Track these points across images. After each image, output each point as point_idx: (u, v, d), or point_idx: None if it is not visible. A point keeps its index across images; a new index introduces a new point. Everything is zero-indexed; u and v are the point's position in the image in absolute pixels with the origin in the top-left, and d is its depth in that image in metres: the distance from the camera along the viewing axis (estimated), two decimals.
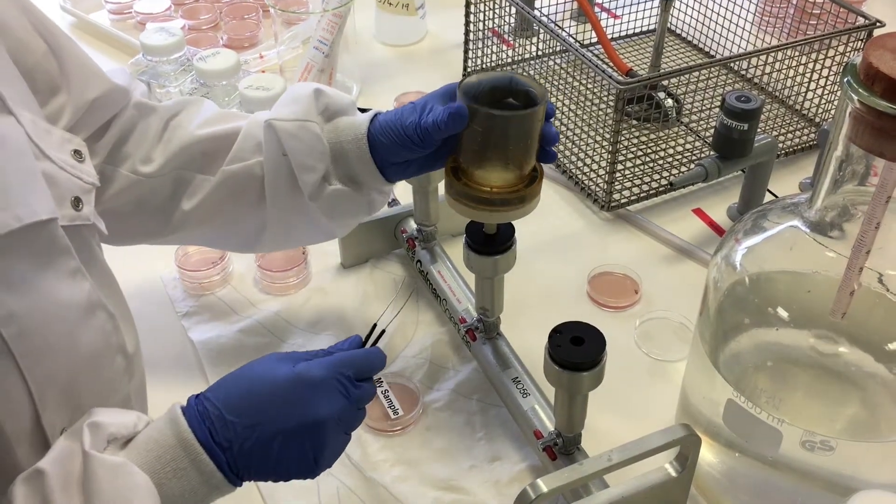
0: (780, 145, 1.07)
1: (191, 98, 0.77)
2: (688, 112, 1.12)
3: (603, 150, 1.01)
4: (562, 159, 1.06)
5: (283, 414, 0.57)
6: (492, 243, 0.73)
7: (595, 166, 1.03)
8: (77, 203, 0.58)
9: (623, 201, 1.00)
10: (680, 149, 1.07)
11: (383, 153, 0.70)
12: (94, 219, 0.60)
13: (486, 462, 0.75)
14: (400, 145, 0.69)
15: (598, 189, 1.01)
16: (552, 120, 0.71)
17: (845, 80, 0.52)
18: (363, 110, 0.96)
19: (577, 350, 0.64)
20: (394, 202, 0.97)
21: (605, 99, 1.06)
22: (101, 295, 0.59)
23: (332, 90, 0.73)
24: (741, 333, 0.64)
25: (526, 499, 0.62)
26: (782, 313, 0.61)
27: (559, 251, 0.96)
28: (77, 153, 0.60)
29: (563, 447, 0.70)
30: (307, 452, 0.57)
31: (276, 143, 0.70)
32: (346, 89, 1.20)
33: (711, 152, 0.93)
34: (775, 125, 1.08)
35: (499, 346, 0.79)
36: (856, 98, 0.52)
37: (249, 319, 0.87)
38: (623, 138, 1.06)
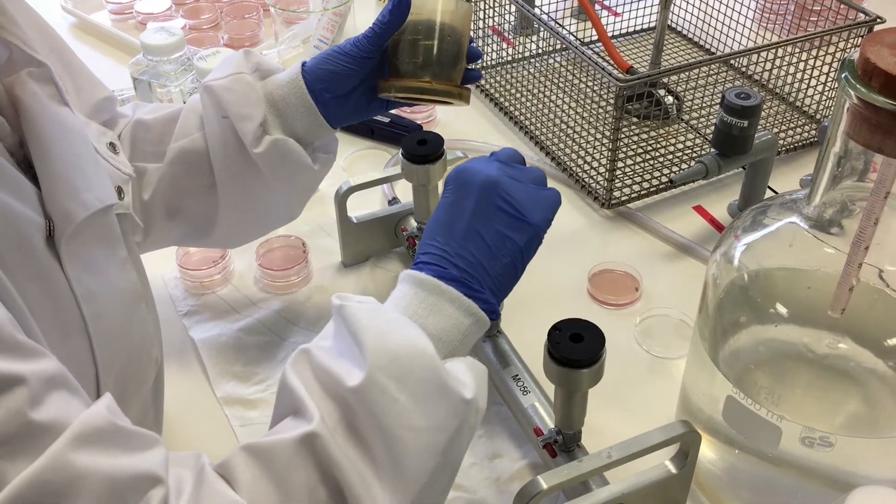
0: (781, 142, 1.07)
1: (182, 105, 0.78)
2: (688, 109, 1.12)
3: (603, 148, 1.01)
4: (562, 157, 1.06)
5: (461, 202, 0.58)
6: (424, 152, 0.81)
7: (595, 164, 1.03)
8: (120, 192, 0.59)
9: (623, 199, 1.00)
10: (680, 146, 1.07)
11: (319, 90, 0.71)
12: (133, 209, 0.62)
13: (486, 459, 0.75)
14: (335, 71, 0.70)
15: (598, 187, 1.01)
16: (474, 43, 0.75)
17: (843, 75, 0.52)
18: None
19: (576, 347, 0.64)
20: (394, 200, 0.97)
21: (605, 97, 1.06)
22: (142, 286, 0.60)
23: (260, 55, 0.74)
24: (740, 330, 0.64)
25: (526, 496, 0.62)
26: (781, 310, 0.61)
27: (559, 249, 0.96)
28: (112, 146, 0.61)
29: (563, 444, 0.70)
30: (504, 210, 0.58)
31: (214, 106, 0.71)
32: None
33: (712, 149, 0.93)
34: (776, 122, 1.08)
35: (499, 343, 0.80)
36: (853, 94, 0.51)
37: (250, 318, 0.87)
38: (623, 136, 1.06)
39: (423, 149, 0.83)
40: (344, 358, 0.51)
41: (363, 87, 0.73)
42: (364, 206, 0.96)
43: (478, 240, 0.58)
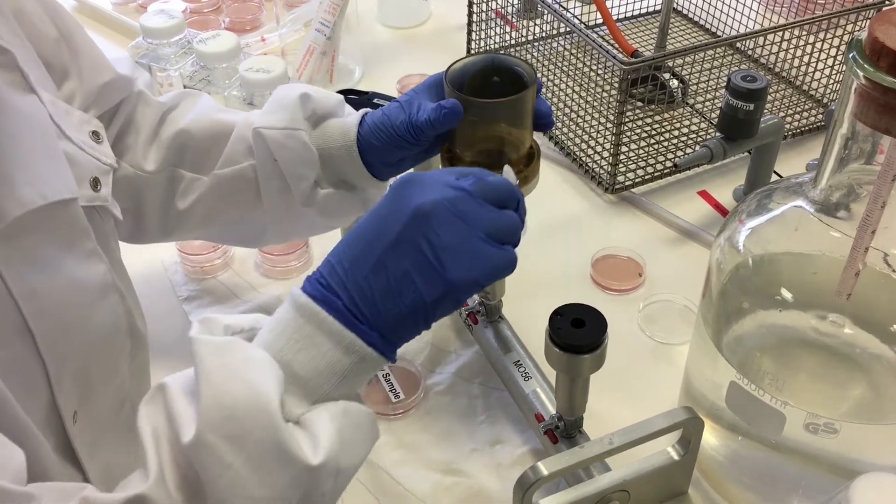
0: (787, 127, 1.06)
1: (188, 91, 0.77)
2: (693, 93, 1.11)
3: (607, 132, 1.00)
4: (565, 142, 1.05)
5: (383, 229, 0.49)
6: None
7: (599, 148, 1.02)
8: (95, 184, 0.58)
9: (627, 183, 0.99)
10: (685, 130, 1.06)
11: (374, 155, 0.67)
12: (111, 201, 0.61)
13: (487, 445, 0.74)
14: (392, 146, 0.66)
15: (602, 171, 1.00)
16: (542, 92, 0.68)
17: (850, 55, 0.51)
18: (362, 93, 0.96)
19: (577, 332, 0.63)
20: None
21: (609, 80, 1.05)
22: (114, 277, 0.59)
23: (318, 91, 0.70)
24: (744, 316, 0.64)
25: (526, 482, 0.61)
26: (786, 295, 0.61)
27: (562, 234, 0.95)
28: (95, 134, 0.60)
29: (565, 430, 0.69)
30: (424, 258, 0.48)
31: (265, 150, 0.68)
32: (348, 72, 1.19)
33: (717, 133, 0.92)
34: (782, 106, 1.07)
35: (500, 329, 0.79)
36: (861, 74, 0.50)
37: (250, 304, 0.87)
38: (628, 120, 1.05)
39: None
40: (193, 399, 0.45)
41: (421, 151, 0.69)
42: None
43: (381, 275, 0.48)
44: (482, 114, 0.64)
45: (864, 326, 0.60)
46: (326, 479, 0.46)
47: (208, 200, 0.72)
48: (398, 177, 0.55)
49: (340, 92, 1.12)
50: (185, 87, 1.00)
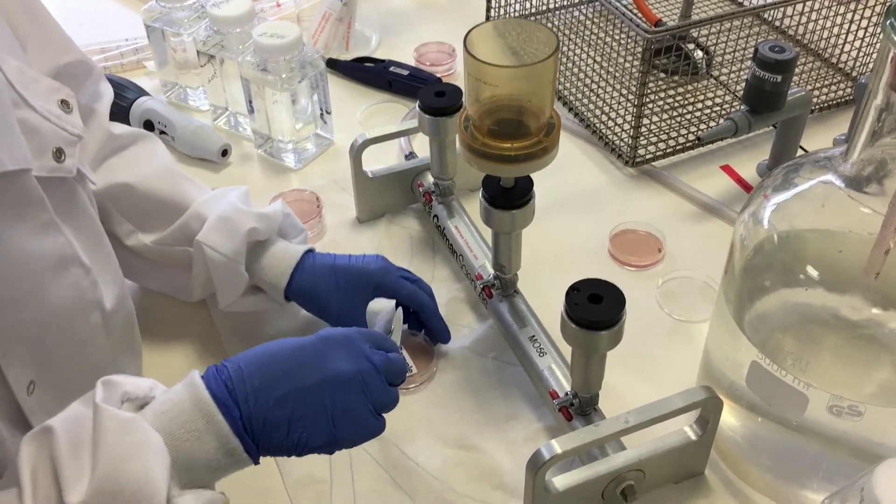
0: (815, 100, 1.03)
1: (145, 134, 0.79)
2: (718, 65, 1.08)
3: (628, 104, 0.98)
4: (585, 113, 1.02)
5: (302, 370, 0.54)
6: (510, 197, 0.70)
7: (620, 120, 0.99)
8: (59, 154, 0.56)
9: (648, 157, 0.97)
10: (709, 103, 1.03)
11: (301, 286, 0.74)
12: (84, 171, 0.60)
13: (500, 421, 0.73)
14: (318, 290, 0.74)
15: (622, 144, 0.98)
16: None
17: (887, 22, 0.49)
18: (378, 61, 0.95)
19: (594, 308, 0.61)
20: (411, 155, 0.95)
21: (631, 50, 1.02)
22: (77, 249, 0.58)
23: (265, 219, 0.75)
24: (768, 293, 0.62)
25: (539, 460, 0.60)
26: (812, 273, 0.58)
27: (580, 208, 0.93)
28: (64, 103, 0.58)
29: (580, 408, 0.68)
30: (324, 413, 0.54)
31: (203, 262, 0.74)
32: (364, 40, 1.16)
33: (742, 106, 0.89)
34: (809, 79, 1.03)
35: (516, 303, 0.77)
36: None
37: None
38: (650, 91, 1.02)
39: (440, 101, 0.80)
40: (80, 457, 0.47)
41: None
42: (381, 160, 0.93)
43: (283, 409, 0.53)
44: (502, 81, 0.62)
45: (893, 306, 0.58)
46: None
47: (149, 257, 0.77)
48: (328, 329, 0.59)
49: (356, 60, 1.11)
50: (198, 52, 0.98)
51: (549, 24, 1.07)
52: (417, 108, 0.81)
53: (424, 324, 0.77)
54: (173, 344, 0.80)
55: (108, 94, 0.75)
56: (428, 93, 0.80)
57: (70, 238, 0.57)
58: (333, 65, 1.12)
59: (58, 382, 0.57)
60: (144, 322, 0.73)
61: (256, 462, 0.54)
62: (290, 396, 0.53)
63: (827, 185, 0.58)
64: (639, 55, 0.91)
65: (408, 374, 0.75)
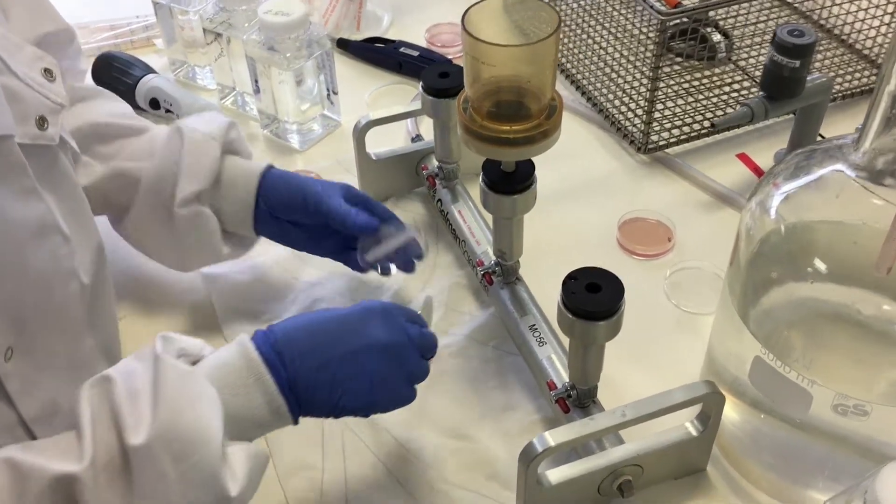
0: (836, 87, 0.99)
1: (106, 92, 0.80)
2: (738, 49, 1.05)
3: (643, 88, 0.95)
4: (598, 97, 1.00)
5: (345, 337, 0.57)
6: (510, 181, 0.68)
7: (633, 105, 0.97)
8: (42, 122, 0.56)
9: (661, 143, 0.94)
10: (728, 89, 1.00)
11: (267, 203, 0.73)
12: (67, 139, 0.60)
13: (497, 411, 0.71)
14: (290, 204, 0.72)
15: (634, 130, 0.95)
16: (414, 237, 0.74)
17: None
18: (388, 41, 0.93)
19: (592, 298, 0.59)
20: (418, 138, 0.93)
21: (646, 33, 0.99)
22: (57, 217, 0.58)
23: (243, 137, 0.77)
24: (774, 287, 0.59)
25: (532, 452, 0.58)
26: (821, 266, 0.56)
27: (589, 194, 0.91)
28: (48, 72, 0.59)
29: (578, 399, 0.66)
30: (364, 378, 0.57)
31: (176, 147, 0.72)
32: (376, 19, 1.15)
33: (759, 92, 0.86)
34: (832, 65, 1.00)
35: (517, 291, 0.75)
36: None
37: (263, 257, 0.84)
38: (665, 76, 1.00)
39: (444, 82, 0.78)
40: (139, 404, 0.50)
41: (312, 235, 0.75)
42: (388, 142, 0.92)
43: (325, 374, 0.56)
44: (500, 61, 0.60)
45: None
46: None
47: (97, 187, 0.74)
48: (368, 301, 0.62)
49: (367, 40, 1.09)
50: (204, 30, 0.97)
51: (564, 4, 1.04)
52: (420, 88, 0.79)
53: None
54: (160, 319, 0.79)
55: (85, 67, 0.76)
56: (431, 73, 0.78)
57: (50, 205, 0.57)
58: (344, 45, 1.10)
59: (35, 349, 0.57)
60: (133, 296, 0.72)
61: (296, 422, 0.56)
62: (333, 361, 0.56)
63: (839, 174, 0.55)
64: (654, 38, 0.88)
65: None
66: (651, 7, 0.85)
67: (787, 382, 0.57)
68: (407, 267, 0.76)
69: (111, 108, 0.77)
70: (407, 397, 0.61)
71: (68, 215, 0.60)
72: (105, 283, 0.66)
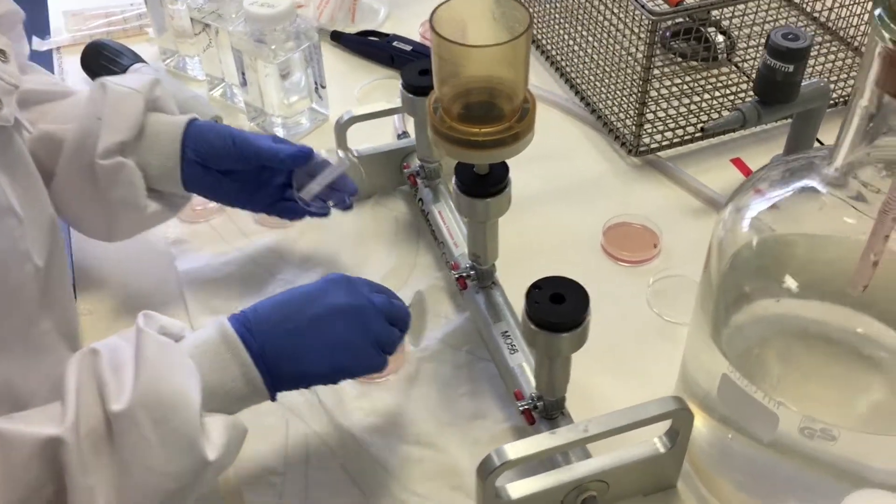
0: (840, 92, 0.96)
1: (35, 66, 0.77)
2: (741, 51, 1.02)
3: (636, 89, 0.92)
4: (591, 96, 0.98)
5: (308, 305, 0.59)
6: (483, 184, 0.66)
7: (626, 105, 0.94)
8: None
9: (654, 146, 0.92)
10: (727, 91, 0.98)
11: (196, 152, 0.71)
12: (21, 120, 0.60)
13: (466, 419, 0.70)
14: (219, 150, 0.71)
15: (626, 131, 0.93)
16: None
17: (877, 13, 0.44)
18: (383, 35, 0.91)
19: (556, 309, 0.58)
20: (404, 135, 0.91)
21: (638, 32, 0.97)
22: (10, 198, 0.58)
23: (168, 91, 0.75)
24: (744, 302, 0.57)
25: (490, 465, 0.57)
26: (792, 283, 0.54)
27: (576, 196, 0.89)
28: (2, 53, 0.58)
29: (545, 411, 0.64)
30: (327, 342, 0.58)
31: (99, 102, 0.70)
32: (372, 12, 1.13)
33: (753, 97, 0.84)
34: (834, 68, 0.97)
35: (492, 296, 0.74)
36: (887, 36, 0.43)
37: (239, 252, 0.83)
38: (662, 76, 0.97)
39: (424, 79, 0.76)
40: (122, 375, 0.52)
41: (241, 188, 0.74)
42: (378, 138, 0.90)
43: (290, 341, 0.58)
44: (469, 61, 0.59)
45: (883, 321, 0.54)
46: (211, 474, 0.55)
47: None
48: (332, 274, 0.63)
49: (361, 33, 1.07)
50: (192, 20, 0.95)
51: (558, 2, 1.02)
52: (400, 86, 0.77)
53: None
54: (130, 314, 0.78)
55: (27, 51, 0.75)
56: (411, 70, 0.77)
57: (3, 186, 0.57)
58: (337, 37, 1.08)
59: None
60: (102, 292, 0.71)
61: (273, 398, 0.58)
62: (298, 329, 0.58)
63: (810, 189, 0.53)
64: (645, 39, 0.85)
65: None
66: (642, 6, 0.82)
67: (754, 402, 0.55)
68: (342, 203, 0.76)
69: (36, 77, 0.75)
70: (376, 362, 0.61)
71: (22, 196, 0.60)
72: (60, 265, 0.66)
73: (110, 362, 0.53)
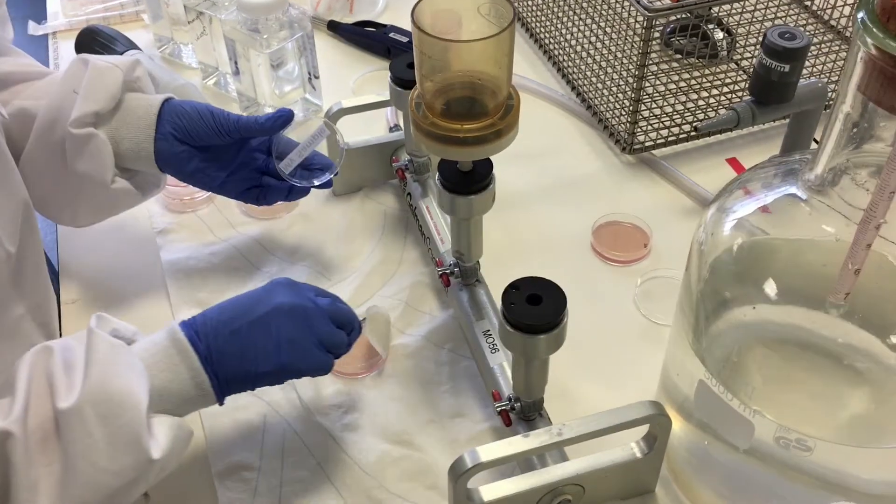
0: None
1: (14, 49, 0.76)
2: (742, 49, 1.00)
3: (627, 87, 0.91)
4: (588, 93, 0.96)
5: (252, 306, 0.60)
6: (467, 181, 0.65)
7: (621, 102, 0.93)
8: None
9: (648, 144, 0.90)
10: (726, 90, 0.96)
11: (173, 126, 0.70)
12: None
13: (446, 418, 0.69)
14: (198, 124, 0.70)
15: (620, 128, 0.92)
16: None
17: (859, 16, 0.42)
18: (380, 26, 0.90)
19: (532, 310, 0.57)
20: (395, 128, 0.90)
21: (634, 28, 0.95)
22: None
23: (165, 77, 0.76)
24: (724, 308, 0.56)
25: (461, 467, 0.56)
26: (770, 290, 0.53)
27: (568, 193, 0.88)
28: None
29: (522, 412, 0.64)
30: (271, 340, 0.59)
31: (79, 74, 0.69)
32: (370, 2, 1.12)
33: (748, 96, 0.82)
34: (836, 69, 0.95)
35: (476, 294, 0.73)
36: (870, 42, 0.42)
37: (224, 243, 0.82)
38: (659, 73, 0.96)
39: (412, 72, 0.75)
40: (73, 374, 0.53)
41: (217, 165, 0.72)
42: (368, 131, 0.89)
43: (236, 341, 0.58)
44: (452, 56, 0.58)
45: (867, 330, 0.52)
46: (155, 473, 0.55)
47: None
48: (274, 279, 0.64)
49: (358, 24, 1.06)
50: (185, 7, 0.95)
51: None
52: (389, 79, 0.76)
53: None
54: (113, 304, 0.78)
55: (10, 36, 0.75)
56: (400, 63, 0.76)
57: None
58: (335, 27, 1.07)
59: None
60: (87, 282, 0.70)
61: (220, 401, 0.59)
62: (243, 328, 0.59)
63: (791, 194, 0.52)
64: (641, 35, 0.84)
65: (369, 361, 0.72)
66: (638, 2, 0.81)
67: (729, 410, 0.54)
68: (321, 177, 0.75)
69: (14, 59, 0.74)
70: (321, 362, 0.61)
71: None
72: (33, 250, 0.66)
73: (62, 361, 0.54)
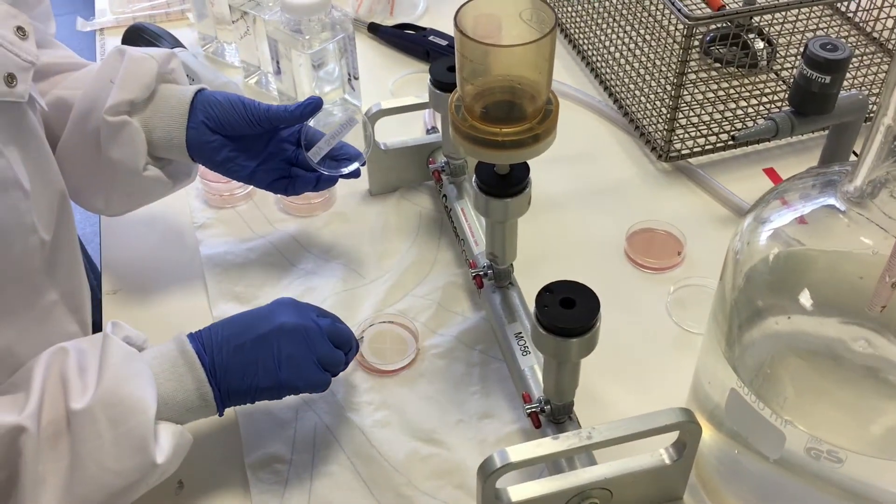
0: None
1: (56, 43, 0.78)
2: (782, 59, 1.00)
3: (665, 95, 0.91)
4: (625, 99, 0.97)
5: (257, 324, 0.63)
6: (503, 184, 0.66)
7: (659, 110, 0.93)
8: (10, 79, 0.58)
9: (684, 152, 0.90)
10: (765, 100, 0.96)
11: (206, 114, 0.71)
12: (35, 96, 0.62)
13: (475, 418, 0.70)
14: (230, 113, 0.71)
15: (657, 135, 0.92)
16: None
17: None
18: (419, 29, 0.91)
19: (566, 314, 0.57)
20: (433, 130, 0.91)
21: (675, 37, 0.95)
22: (17, 172, 0.59)
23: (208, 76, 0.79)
24: (758, 318, 0.56)
25: (490, 467, 0.57)
26: (806, 301, 0.53)
27: (603, 199, 0.88)
28: (20, 30, 0.60)
29: (552, 415, 0.64)
30: (271, 357, 0.61)
31: (115, 64, 0.71)
32: (411, 5, 1.13)
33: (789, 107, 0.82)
34: (877, 81, 0.94)
35: (509, 296, 0.73)
36: None
37: (262, 239, 0.84)
38: (698, 81, 0.96)
39: (452, 75, 0.76)
40: (87, 377, 0.56)
41: (247, 155, 0.74)
42: (405, 133, 0.90)
43: (239, 357, 0.61)
44: (493, 60, 0.58)
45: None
46: (155, 477, 0.58)
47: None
48: (278, 298, 0.66)
49: (398, 26, 1.08)
50: (230, 7, 0.96)
51: (597, 2, 1.01)
52: (429, 81, 0.77)
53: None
54: (153, 296, 0.80)
55: (52, 31, 0.76)
56: (439, 66, 0.77)
57: (11, 161, 0.59)
58: (375, 29, 1.08)
59: None
60: (129, 274, 0.72)
61: (220, 412, 0.61)
62: (246, 345, 0.61)
63: (830, 205, 0.52)
64: (681, 43, 0.84)
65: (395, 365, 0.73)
66: (678, 10, 0.81)
67: (761, 420, 0.54)
68: (349, 165, 0.76)
69: (54, 52, 0.76)
70: (319, 379, 0.63)
71: (32, 171, 0.61)
72: (68, 238, 0.67)
73: (77, 363, 0.56)
